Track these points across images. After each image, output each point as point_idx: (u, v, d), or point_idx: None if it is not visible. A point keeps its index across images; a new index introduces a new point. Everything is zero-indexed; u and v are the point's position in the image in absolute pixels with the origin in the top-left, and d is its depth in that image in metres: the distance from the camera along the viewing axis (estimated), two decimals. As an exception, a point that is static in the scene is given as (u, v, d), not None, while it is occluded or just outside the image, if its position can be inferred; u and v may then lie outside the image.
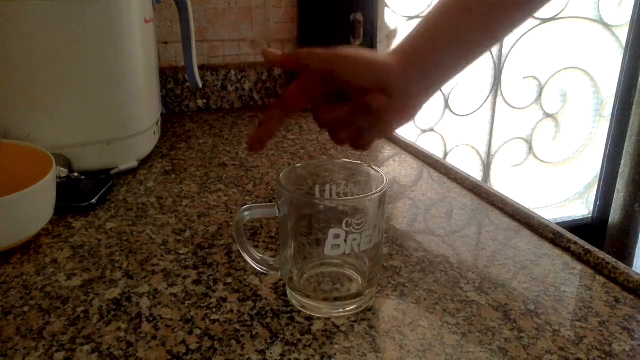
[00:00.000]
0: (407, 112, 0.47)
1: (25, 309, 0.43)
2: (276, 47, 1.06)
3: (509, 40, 1.41)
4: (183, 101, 1.00)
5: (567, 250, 0.54)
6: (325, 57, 0.45)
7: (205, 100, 1.02)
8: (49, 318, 0.42)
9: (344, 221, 0.40)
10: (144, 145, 0.74)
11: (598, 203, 1.67)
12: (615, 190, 1.65)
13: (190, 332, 0.41)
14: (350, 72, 0.44)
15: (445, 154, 1.48)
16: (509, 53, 1.42)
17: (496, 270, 0.50)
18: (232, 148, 0.82)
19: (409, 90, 0.46)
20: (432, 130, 1.43)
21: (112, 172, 0.70)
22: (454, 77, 0.48)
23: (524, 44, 1.43)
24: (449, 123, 1.44)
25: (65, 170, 0.66)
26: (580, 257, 0.52)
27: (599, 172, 1.66)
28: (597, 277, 0.49)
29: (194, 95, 1.01)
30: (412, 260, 0.51)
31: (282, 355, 0.38)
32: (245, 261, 0.47)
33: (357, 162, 0.46)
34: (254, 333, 0.41)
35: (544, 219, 0.58)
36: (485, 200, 0.65)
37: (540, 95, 1.51)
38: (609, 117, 1.60)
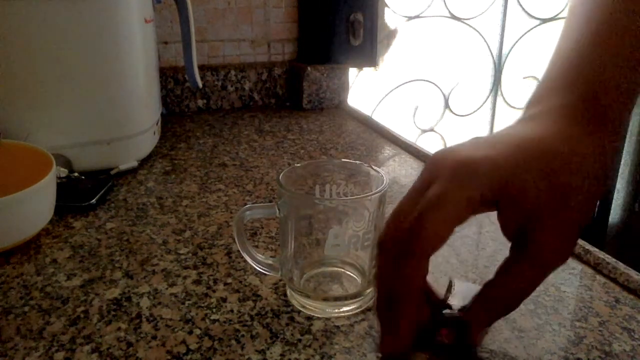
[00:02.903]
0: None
1: (25, 309, 0.43)
2: (276, 47, 1.06)
3: (508, 40, 1.41)
4: (183, 101, 1.00)
5: (567, 250, 0.54)
6: None
7: (205, 100, 1.02)
8: (49, 318, 0.42)
9: (344, 221, 0.40)
10: (144, 145, 0.74)
11: (598, 203, 1.67)
12: (615, 190, 1.65)
13: (190, 332, 0.41)
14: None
15: (445, 154, 1.48)
16: (509, 53, 1.42)
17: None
18: (232, 148, 0.82)
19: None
20: (432, 130, 1.43)
21: (112, 172, 0.70)
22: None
23: (524, 44, 1.43)
24: (449, 123, 1.44)
25: (65, 170, 0.66)
26: (580, 257, 0.52)
27: (599, 172, 1.65)
28: (597, 277, 0.49)
29: (194, 95, 1.01)
30: (412, 260, 0.51)
31: (282, 355, 0.38)
32: (245, 261, 0.47)
33: (357, 162, 0.46)
34: (254, 333, 0.41)
35: (544, 219, 0.58)
36: (485, 200, 0.65)
37: (540, 95, 1.51)
38: (609, 117, 1.60)
